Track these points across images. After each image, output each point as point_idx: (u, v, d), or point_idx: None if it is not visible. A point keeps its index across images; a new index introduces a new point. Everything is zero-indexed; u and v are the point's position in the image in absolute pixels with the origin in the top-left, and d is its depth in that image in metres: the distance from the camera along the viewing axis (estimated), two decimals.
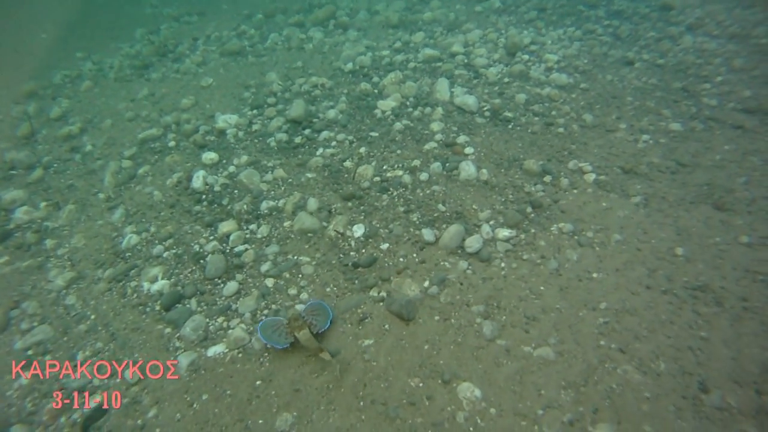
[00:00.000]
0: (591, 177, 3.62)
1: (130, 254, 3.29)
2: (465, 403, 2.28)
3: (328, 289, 2.89)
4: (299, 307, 2.79)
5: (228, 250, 3.20)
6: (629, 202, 3.40)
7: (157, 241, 3.34)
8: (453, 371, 2.42)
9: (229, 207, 3.57)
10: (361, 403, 2.32)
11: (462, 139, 4.08)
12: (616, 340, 2.52)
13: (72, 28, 7.09)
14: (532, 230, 3.21)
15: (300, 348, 2.53)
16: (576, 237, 3.14)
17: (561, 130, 4.18)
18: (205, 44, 6.43)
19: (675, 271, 2.88)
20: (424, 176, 3.67)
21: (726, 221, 3.21)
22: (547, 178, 3.64)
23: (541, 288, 2.83)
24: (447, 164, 3.79)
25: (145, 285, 3.02)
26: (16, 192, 3.81)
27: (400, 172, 3.74)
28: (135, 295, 2.99)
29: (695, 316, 2.62)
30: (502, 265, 2.99)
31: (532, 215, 3.33)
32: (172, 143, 4.33)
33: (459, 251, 3.09)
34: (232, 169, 3.92)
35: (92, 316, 2.89)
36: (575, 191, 3.53)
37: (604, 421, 2.17)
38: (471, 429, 2.18)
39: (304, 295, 2.85)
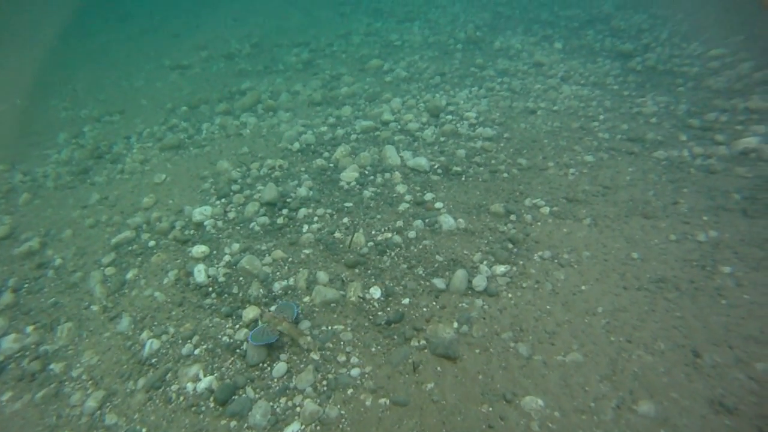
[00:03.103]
0: (546, 210, 4.36)
1: (155, 360, 3.21)
2: (533, 414, 2.67)
3: (373, 349, 3.14)
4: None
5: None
6: (583, 225, 4.17)
7: (181, 341, 3.30)
8: (511, 390, 2.80)
9: (240, 295, 3.66)
10: None
11: (429, 196, 4.63)
12: (621, 334, 3.12)
13: None
14: (520, 262, 3.79)
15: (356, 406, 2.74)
16: (556, 260, 3.78)
17: (505, 175, 4.95)
18: (139, 142, 6.35)
19: (638, 271, 3.62)
20: (412, 234, 4.12)
21: (655, 226, 4.10)
22: (513, 217, 4.30)
23: (548, 307, 3.38)
24: (426, 220, 4.28)
25: (189, 386, 2.99)
26: None
27: (390, 234, 4.14)
28: (182, 398, 2.94)
29: (666, 302, 3.34)
30: (509, 295, 3.49)
31: (515, 250, 3.92)
32: (151, 243, 4.27)
33: (470, 292, 3.54)
34: (227, 258, 4.00)
35: (143, 430, 2.79)
36: (539, 223, 4.22)
37: (642, 398, 2.70)
38: None
39: (354, 359, 3.06)
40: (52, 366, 3.24)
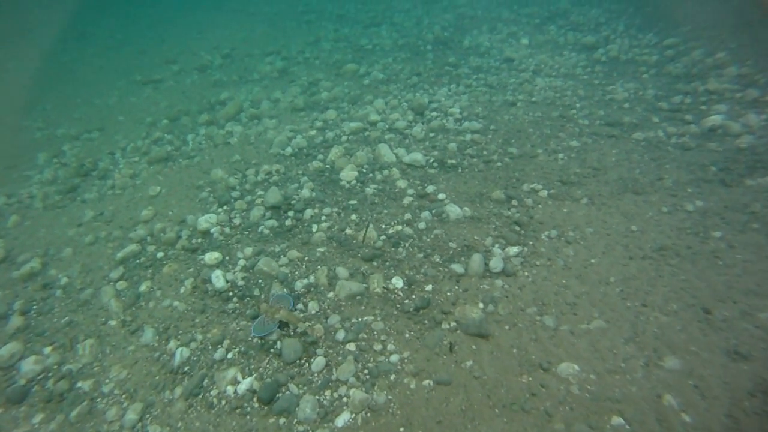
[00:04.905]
0: (544, 193, 4.57)
1: (188, 368, 3.17)
2: (571, 378, 2.82)
3: (407, 335, 3.22)
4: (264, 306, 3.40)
5: (293, 333, 3.31)
6: (580, 204, 4.39)
7: (211, 347, 3.28)
8: (546, 360, 2.95)
9: (263, 296, 3.66)
10: (497, 410, 2.70)
11: (430, 188, 4.76)
12: (635, 299, 3.33)
13: None
14: (530, 242, 3.96)
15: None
16: (563, 238, 3.98)
17: (499, 164, 5.14)
18: (124, 157, 6.19)
19: (639, 242, 3.86)
20: (422, 225, 4.23)
21: (646, 200, 4.38)
22: (514, 202, 4.48)
23: (564, 281, 3.56)
24: (433, 211, 4.40)
25: (229, 389, 2.98)
26: (9, 345, 3.35)
27: (400, 227, 4.24)
28: (224, 401, 2.92)
29: (670, 267, 3.58)
30: (526, 273, 3.66)
31: (522, 232, 4.10)
32: (159, 254, 4.20)
33: (488, 274, 3.68)
34: (242, 262, 3.99)
35: None
36: (540, 206, 4.42)
37: (666, 355, 2.90)
38: (587, 395, 2.72)
39: (390, 346, 3.13)
40: (79, 384, 3.14)
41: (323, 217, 4.48)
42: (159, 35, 12.92)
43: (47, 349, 3.40)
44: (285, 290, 3.65)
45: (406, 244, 4.04)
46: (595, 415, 2.62)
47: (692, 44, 8.09)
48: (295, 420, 2.77)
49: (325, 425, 2.72)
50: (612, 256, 3.75)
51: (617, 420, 2.58)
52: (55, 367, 3.29)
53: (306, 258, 4.01)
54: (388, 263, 3.86)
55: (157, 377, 3.15)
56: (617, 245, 3.86)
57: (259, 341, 3.27)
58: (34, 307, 3.84)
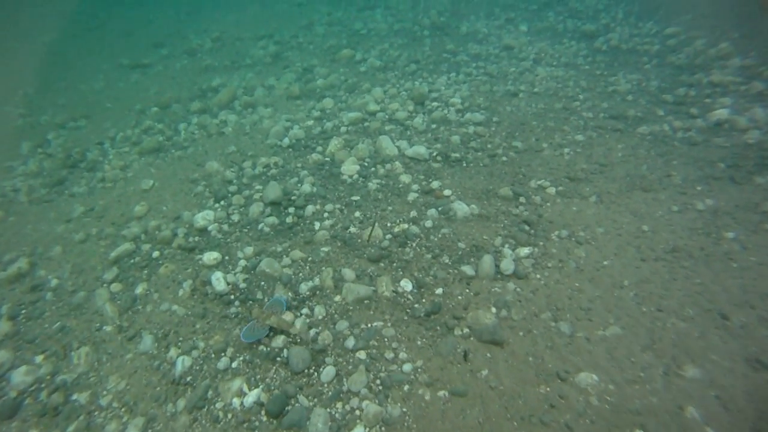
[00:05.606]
0: (552, 190, 4.46)
1: (191, 378, 3.03)
2: (590, 389, 2.74)
3: (419, 342, 3.11)
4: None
5: (299, 340, 3.18)
6: (589, 202, 4.30)
7: (214, 355, 3.14)
8: (563, 369, 2.86)
9: (266, 300, 3.52)
10: (515, 423, 2.61)
11: (435, 184, 4.62)
12: (650, 304, 3.25)
13: None
14: (541, 243, 3.86)
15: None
16: (573, 238, 3.89)
17: (504, 158, 5.01)
18: (114, 147, 5.92)
19: (651, 243, 3.78)
20: (428, 223, 4.10)
21: (656, 198, 4.29)
22: (522, 199, 4.37)
23: (577, 284, 3.47)
24: (439, 208, 4.27)
25: (235, 401, 2.85)
26: None
27: (406, 225, 4.10)
28: (230, 415, 2.79)
29: (684, 270, 3.51)
30: (538, 276, 3.56)
31: (532, 231, 3.99)
32: (155, 254, 4.01)
33: (499, 276, 3.58)
34: (243, 263, 3.83)
35: None
36: (548, 204, 4.31)
37: (686, 363, 2.83)
38: (607, 407, 2.65)
39: (402, 354, 3.02)
40: (75, 396, 2.99)
41: (326, 214, 4.33)
42: (145, 15, 12.43)
43: (39, 358, 3.22)
44: (290, 293, 3.51)
45: (414, 244, 3.92)
46: (617, 429, 2.54)
47: (694, 33, 7.98)
48: None
49: None
50: (624, 257, 3.67)
51: None
52: (48, 377, 3.12)
53: (309, 258, 3.86)
54: (395, 264, 3.74)
55: (158, 388, 3.01)
56: (629, 246, 3.77)
57: (266, 350, 3.14)
58: (23, 311, 3.64)
